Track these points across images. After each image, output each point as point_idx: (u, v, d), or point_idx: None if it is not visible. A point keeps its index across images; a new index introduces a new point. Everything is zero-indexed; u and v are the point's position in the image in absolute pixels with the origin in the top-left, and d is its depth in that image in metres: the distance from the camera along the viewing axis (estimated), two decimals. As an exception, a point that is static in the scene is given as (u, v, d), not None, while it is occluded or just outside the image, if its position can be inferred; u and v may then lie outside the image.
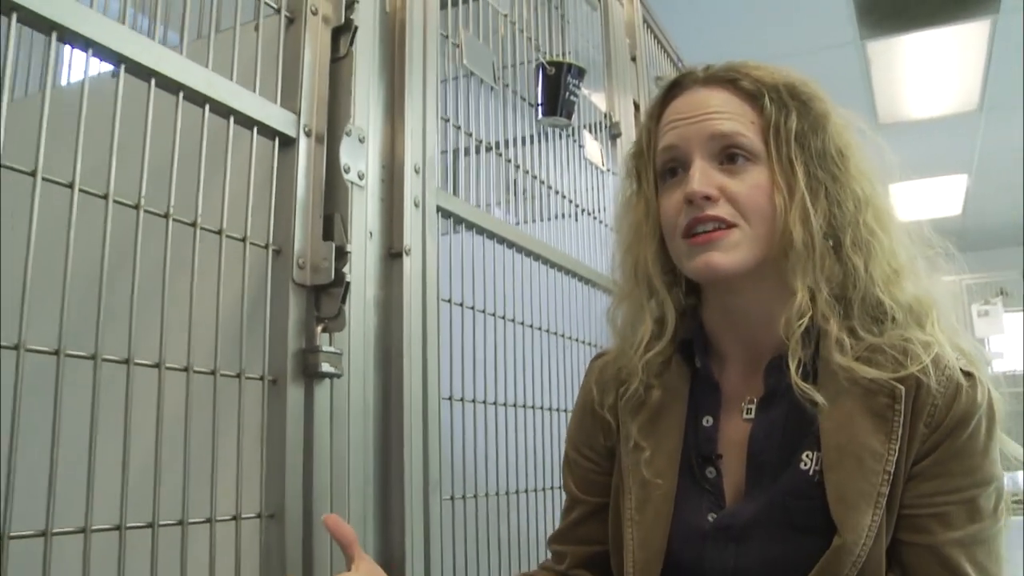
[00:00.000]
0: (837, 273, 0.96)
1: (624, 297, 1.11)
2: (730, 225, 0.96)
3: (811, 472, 0.94)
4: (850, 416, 0.93)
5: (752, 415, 1.01)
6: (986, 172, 6.74)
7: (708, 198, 0.96)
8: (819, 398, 0.93)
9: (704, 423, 1.03)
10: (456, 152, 1.58)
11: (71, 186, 0.88)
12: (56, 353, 0.86)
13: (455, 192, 1.53)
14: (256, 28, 1.18)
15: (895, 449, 0.91)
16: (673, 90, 1.06)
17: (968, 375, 0.94)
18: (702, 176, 0.97)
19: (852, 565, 0.89)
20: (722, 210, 0.96)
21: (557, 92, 1.89)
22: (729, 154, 0.98)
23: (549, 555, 1.22)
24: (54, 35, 0.87)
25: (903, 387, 0.92)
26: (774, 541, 0.93)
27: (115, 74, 0.96)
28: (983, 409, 0.93)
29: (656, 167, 1.04)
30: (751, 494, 0.98)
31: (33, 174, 0.84)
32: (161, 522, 0.96)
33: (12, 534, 0.80)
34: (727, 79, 1.02)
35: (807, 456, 0.95)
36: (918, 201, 7.04)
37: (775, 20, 4.36)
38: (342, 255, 1.16)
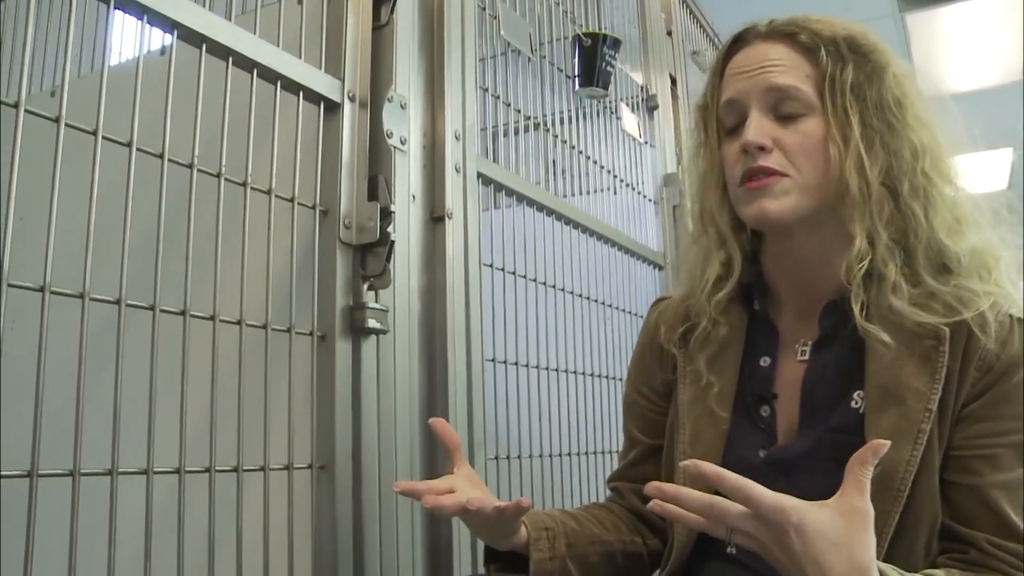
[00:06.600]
0: (897, 221, 0.99)
1: (694, 241, 1.16)
2: (781, 174, 1.00)
3: (861, 411, 0.98)
4: (895, 358, 0.96)
5: (807, 356, 1.06)
6: (1033, 145, 6.62)
7: (762, 148, 1.00)
8: (886, 337, 0.96)
9: (761, 363, 1.08)
10: (496, 129, 1.61)
11: (129, 145, 0.93)
12: (118, 303, 0.91)
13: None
14: (299, -1, 1.22)
15: (938, 388, 0.94)
16: (736, 44, 1.09)
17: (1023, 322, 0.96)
18: (757, 127, 1.01)
19: (893, 499, 0.92)
20: (774, 160, 1.00)
21: (594, 63, 1.91)
22: (784, 106, 1.02)
23: (608, 493, 1.26)
24: (111, 2, 0.92)
25: (948, 329, 0.95)
26: (820, 475, 0.95)
27: (163, 46, 1.00)
28: None
29: (719, 119, 1.09)
30: (803, 432, 1.02)
31: (95, 133, 0.89)
32: (217, 468, 1.00)
33: (83, 471, 0.85)
34: (786, 33, 1.05)
35: (858, 395, 0.99)
36: (963, 176, 6.93)
37: (813, -7, 4.31)
38: (386, 215, 1.20)
